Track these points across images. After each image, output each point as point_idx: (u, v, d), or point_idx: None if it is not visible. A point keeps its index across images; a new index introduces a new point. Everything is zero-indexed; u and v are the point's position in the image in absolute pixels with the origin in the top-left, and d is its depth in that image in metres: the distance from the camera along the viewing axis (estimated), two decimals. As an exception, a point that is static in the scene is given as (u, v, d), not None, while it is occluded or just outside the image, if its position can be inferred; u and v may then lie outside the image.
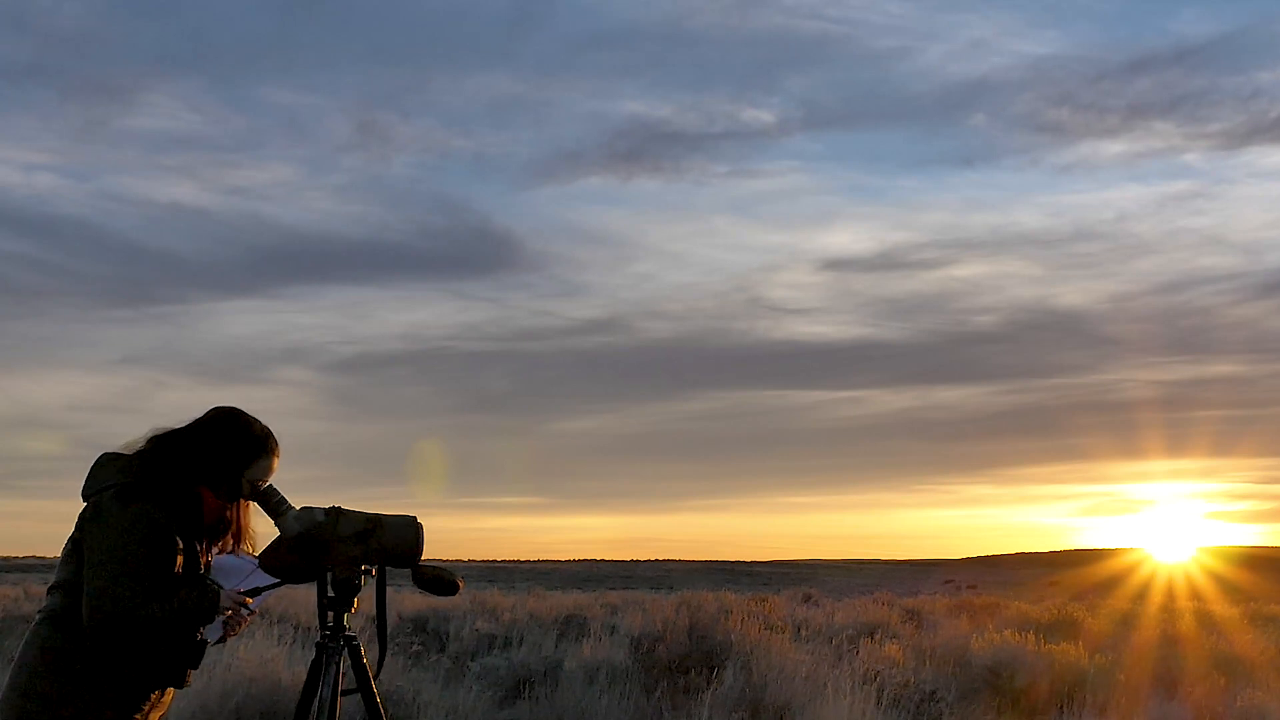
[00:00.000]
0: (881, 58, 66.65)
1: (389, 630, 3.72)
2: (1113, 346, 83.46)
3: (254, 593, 3.49)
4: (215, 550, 3.51)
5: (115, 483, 3.27)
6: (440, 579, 3.55)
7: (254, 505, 3.53)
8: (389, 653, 3.78)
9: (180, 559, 3.30)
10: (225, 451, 3.38)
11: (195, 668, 3.42)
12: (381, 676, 3.62)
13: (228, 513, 3.47)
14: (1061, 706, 8.95)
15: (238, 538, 3.53)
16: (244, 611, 3.41)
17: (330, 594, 3.49)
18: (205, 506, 3.39)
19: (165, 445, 3.37)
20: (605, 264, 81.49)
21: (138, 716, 3.31)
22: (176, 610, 3.23)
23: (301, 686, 3.54)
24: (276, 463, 3.47)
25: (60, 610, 3.25)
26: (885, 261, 79.12)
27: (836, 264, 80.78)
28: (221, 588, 3.37)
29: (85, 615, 3.18)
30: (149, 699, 3.33)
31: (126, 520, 3.20)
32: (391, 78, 65.54)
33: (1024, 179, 74.33)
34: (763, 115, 71.48)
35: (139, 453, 3.36)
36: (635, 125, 70.37)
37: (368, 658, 3.59)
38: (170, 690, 3.42)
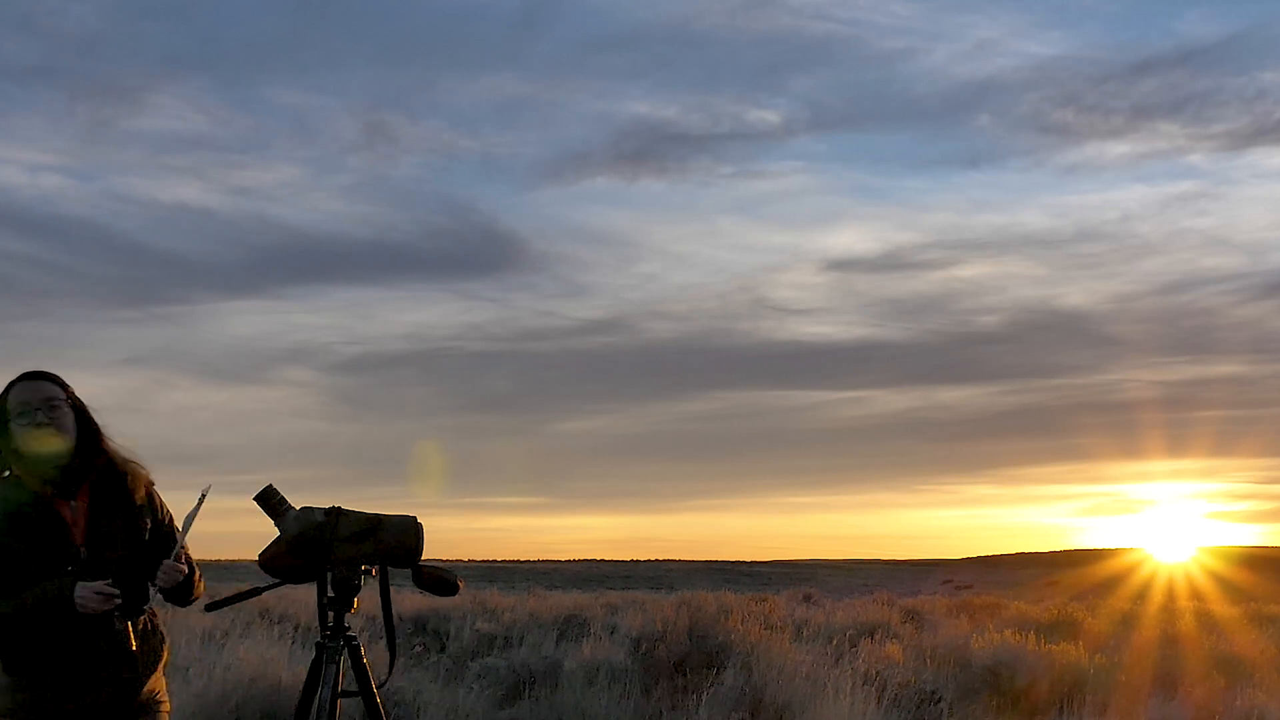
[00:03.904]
0: (887, 59, 66.48)
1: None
2: (1115, 347, 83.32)
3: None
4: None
5: None
6: (440, 579, 3.55)
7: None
8: (389, 653, 3.78)
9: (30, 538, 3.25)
10: None
11: (109, 634, 3.31)
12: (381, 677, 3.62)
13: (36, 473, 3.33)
14: (1061, 706, 8.95)
15: (112, 476, 3.41)
16: (111, 599, 3.24)
17: (330, 594, 3.49)
18: (25, 479, 3.31)
19: None
20: (610, 264, 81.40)
21: (85, 701, 3.28)
22: (23, 607, 3.21)
23: (301, 686, 3.54)
24: (32, 382, 3.35)
25: None
26: (889, 262, 79.01)
27: (840, 264, 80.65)
28: (78, 581, 3.24)
29: None
30: (78, 680, 3.27)
31: None
32: (398, 79, 65.43)
33: (1028, 180, 74.15)
34: (768, 116, 71.34)
35: None
36: (641, 126, 70.26)
37: (368, 658, 3.58)
38: (149, 680, 3.38)
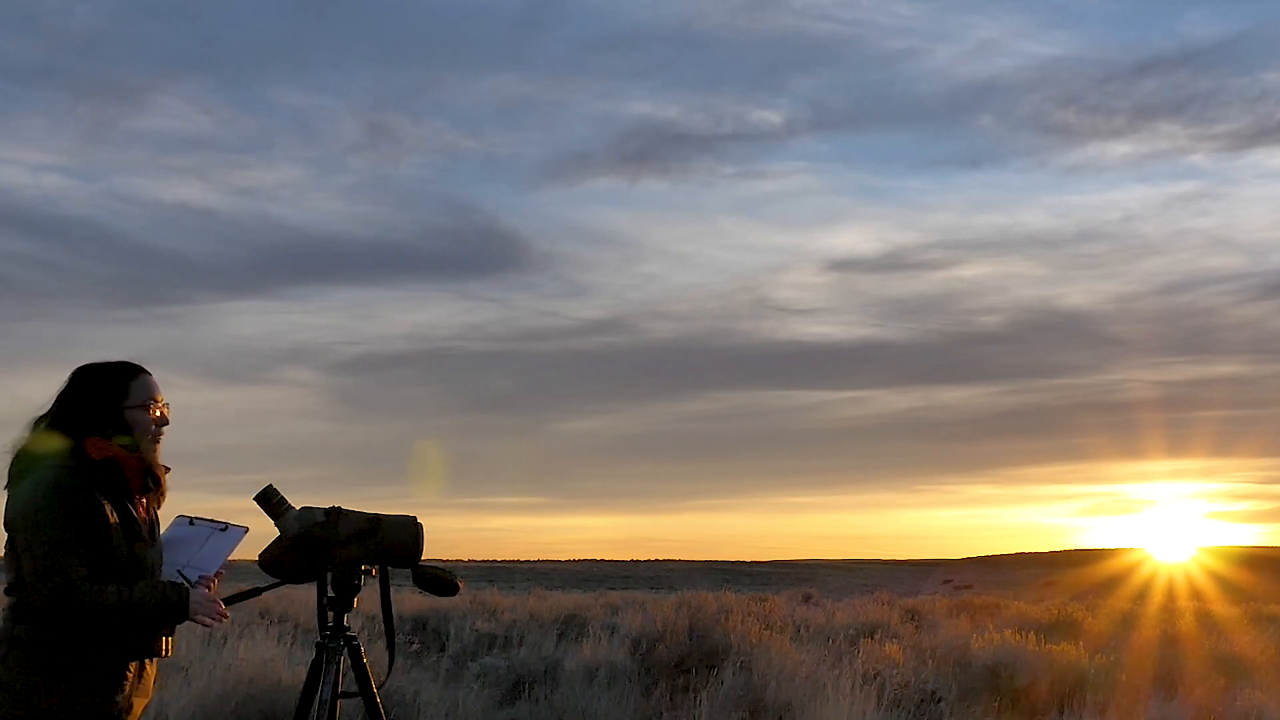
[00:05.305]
0: (889, 59, 66.70)
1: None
2: (1116, 347, 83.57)
3: (253, 591, 3.48)
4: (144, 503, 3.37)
5: (20, 470, 3.25)
6: (440, 579, 3.55)
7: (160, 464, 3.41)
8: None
9: (114, 524, 3.21)
10: (96, 394, 3.31)
11: (171, 633, 3.33)
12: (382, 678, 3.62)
13: (143, 467, 3.32)
14: (1061, 706, 8.95)
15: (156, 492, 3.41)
16: (216, 614, 3.27)
17: (330, 594, 3.49)
18: (125, 469, 3.28)
19: (52, 419, 3.31)
20: (611, 265, 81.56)
21: (118, 698, 3.24)
22: (134, 602, 3.15)
23: (301, 686, 3.54)
24: (154, 380, 3.39)
25: (21, 603, 3.22)
26: (891, 262, 79.20)
27: (842, 264, 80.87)
28: (192, 586, 3.28)
29: (35, 599, 3.14)
30: (125, 677, 3.25)
31: (40, 497, 3.15)
32: (401, 79, 65.61)
33: (1030, 180, 74.39)
34: (770, 116, 71.62)
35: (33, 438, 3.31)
36: (643, 126, 70.49)
37: (369, 659, 3.59)
38: (152, 669, 3.35)
